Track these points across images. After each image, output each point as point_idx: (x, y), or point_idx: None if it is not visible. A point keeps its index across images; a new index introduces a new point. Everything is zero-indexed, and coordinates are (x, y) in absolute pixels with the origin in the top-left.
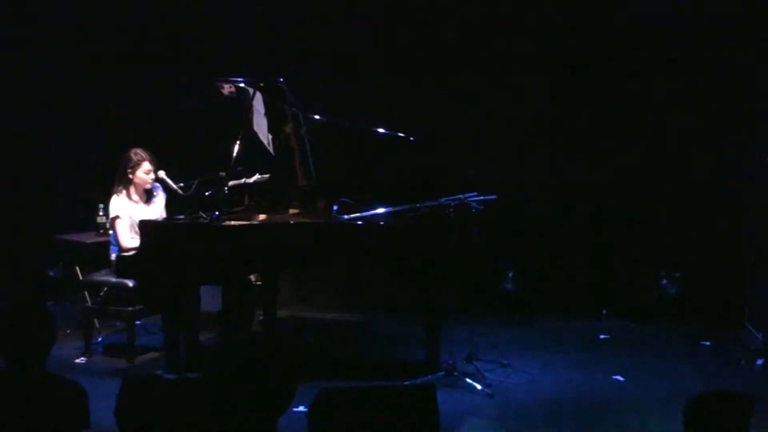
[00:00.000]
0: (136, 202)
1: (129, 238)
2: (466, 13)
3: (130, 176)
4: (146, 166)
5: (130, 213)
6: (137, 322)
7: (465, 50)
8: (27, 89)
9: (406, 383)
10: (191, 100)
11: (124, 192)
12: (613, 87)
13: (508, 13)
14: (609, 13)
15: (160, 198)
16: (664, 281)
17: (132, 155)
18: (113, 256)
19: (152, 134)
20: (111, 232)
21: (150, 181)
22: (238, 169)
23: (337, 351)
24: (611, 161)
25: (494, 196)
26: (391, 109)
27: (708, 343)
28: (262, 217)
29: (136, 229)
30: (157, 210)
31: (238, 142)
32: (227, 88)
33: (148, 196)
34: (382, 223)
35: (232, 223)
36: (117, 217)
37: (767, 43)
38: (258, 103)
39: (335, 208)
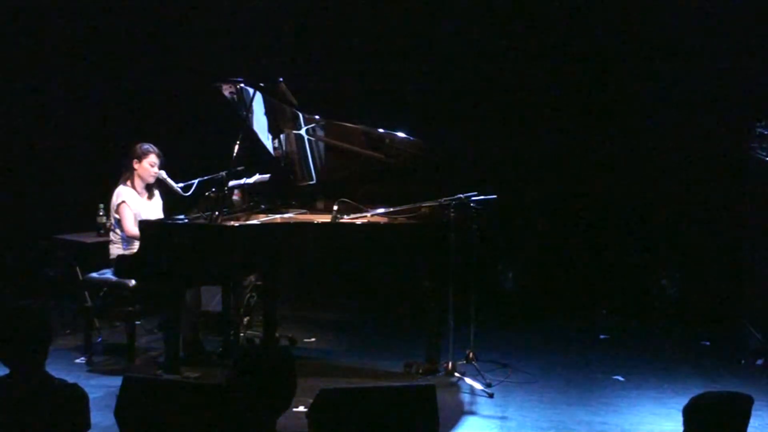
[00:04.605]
0: (139, 194)
1: (134, 224)
2: (467, 12)
3: (135, 166)
4: (152, 158)
5: (134, 203)
6: (137, 322)
7: (465, 49)
8: (27, 90)
9: (406, 383)
10: (191, 99)
11: (129, 182)
12: (613, 87)
13: (509, 11)
14: (609, 14)
15: (159, 198)
16: (664, 281)
17: (140, 146)
18: (113, 253)
19: (152, 134)
20: (113, 221)
21: (153, 174)
22: (238, 169)
23: (337, 351)
24: (611, 161)
25: (494, 196)
26: (391, 109)
27: (708, 343)
28: (262, 217)
29: (138, 220)
30: (157, 208)
31: (238, 142)
32: (227, 88)
33: (149, 192)
34: (381, 222)
35: (232, 223)
36: (123, 202)
37: (765, 43)
38: (258, 103)
39: (335, 208)
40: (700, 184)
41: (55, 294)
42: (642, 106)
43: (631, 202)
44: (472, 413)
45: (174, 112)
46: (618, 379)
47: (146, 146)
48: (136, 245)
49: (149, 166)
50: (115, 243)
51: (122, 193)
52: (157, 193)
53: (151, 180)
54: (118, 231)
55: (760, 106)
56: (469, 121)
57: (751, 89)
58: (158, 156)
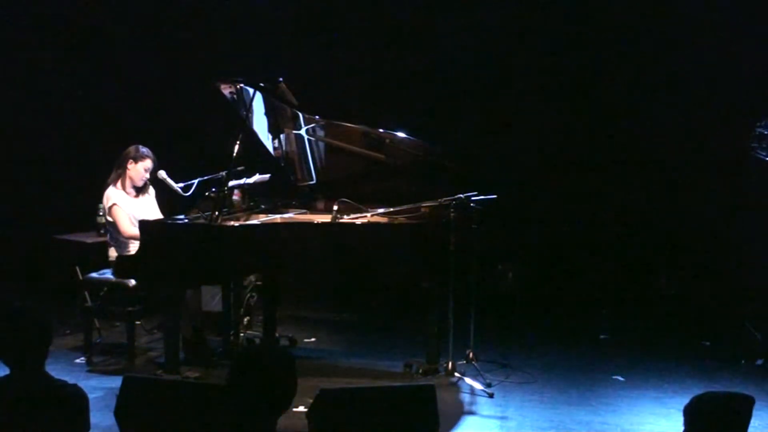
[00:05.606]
0: (128, 194)
1: (130, 225)
2: (468, 11)
3: (129, 167)
4: (148, 163)
5: (125, 204)
6: (137, 322)
7: (465, 49)
8: (27, 89)
9: (406, 383)
10: (191, 99)
11: (119, 183)
12: (612, 87)
13: (511, 11)
14: (610, 15)
15: (151, 194)
16: (664, 281)
17: (136, 148)
18: (113, 254)
19: (152, 134)
20: (109, 221)
21: (145, 178)
22: (238, 169)
23: (337, 351)
24: (611, 161)
25: (494, 196)
26: (392, 109)
27: (708, 343)
28: (262, 217)
29: (133, 220)
30: (150, 204)
31: (238, 142)
32: (227, 88)
33: (137, 192)
34: (381, 222)
35: (232, 223)
36: (115, 204)
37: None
38: (258, 103)
39: (335, 208)
40: (700, 183)
41: (55, 294)
42: (642, 106)
43: (631, 202)
44: (472, 413)
45: (174, 112)
46: (618, 379)
47: (144, 150)
48: (132, 246)
49: (143, 170)
50: (112, 246)
51: (112, 196)
52: (148, 191)
53: (140, 184)
54: (114, 234)
55: (760, 106)
56: (469, 121)
57: (751, 89)
58: (153, 161)
